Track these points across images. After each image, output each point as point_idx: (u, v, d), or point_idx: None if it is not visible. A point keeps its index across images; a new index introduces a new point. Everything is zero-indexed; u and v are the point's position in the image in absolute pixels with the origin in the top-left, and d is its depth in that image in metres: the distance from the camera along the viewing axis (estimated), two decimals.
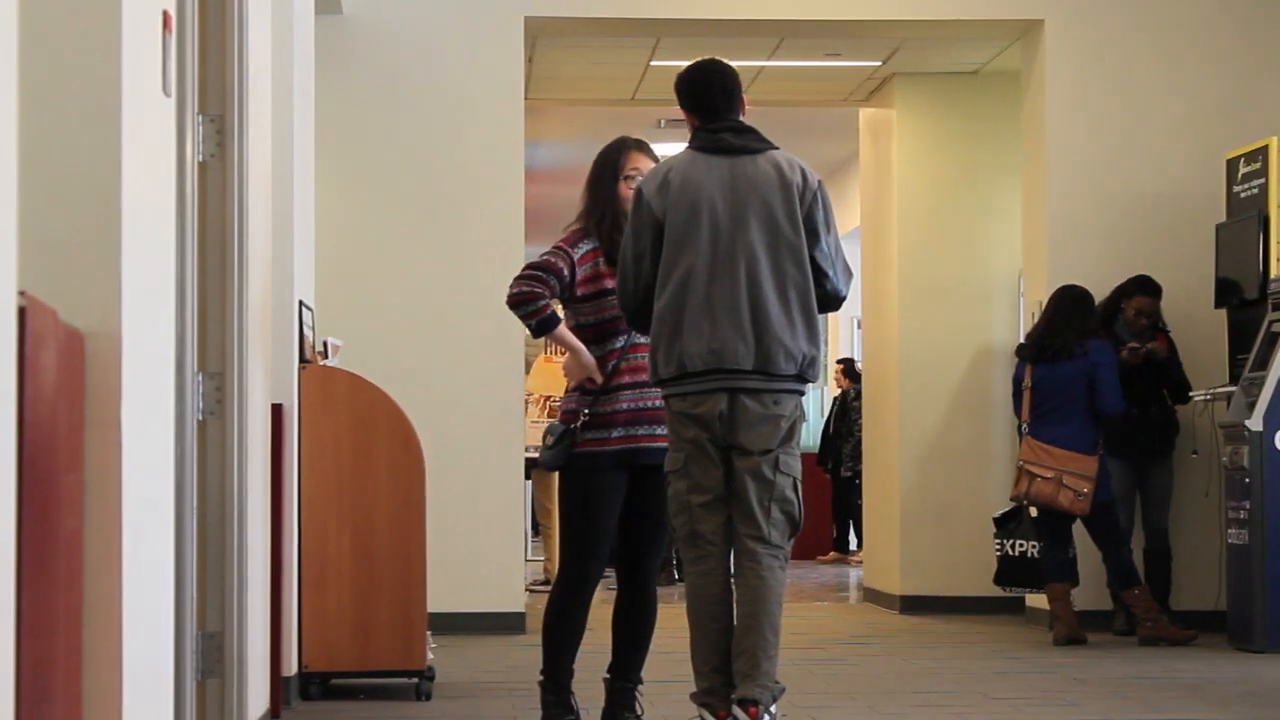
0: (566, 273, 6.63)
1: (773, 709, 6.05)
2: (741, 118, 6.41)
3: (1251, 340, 10.50)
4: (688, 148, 6.39)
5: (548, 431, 6.73)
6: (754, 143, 6.34)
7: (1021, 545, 10.76)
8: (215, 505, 6.22)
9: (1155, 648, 10.35)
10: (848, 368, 18.79)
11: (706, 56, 6.58)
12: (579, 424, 6.60)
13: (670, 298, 6.21)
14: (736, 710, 6.03)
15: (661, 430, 6.54)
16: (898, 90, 13.17)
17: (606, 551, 6.67)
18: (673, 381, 6.24)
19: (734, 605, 6.22)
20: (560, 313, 6.80)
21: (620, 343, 6.62)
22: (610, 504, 6.62)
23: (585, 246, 6.68)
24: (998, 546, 10.86)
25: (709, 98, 6.39)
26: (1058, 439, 10.64)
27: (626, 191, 6.67)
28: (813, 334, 6.27)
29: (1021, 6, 11.59)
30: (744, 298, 6.19)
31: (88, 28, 4.35)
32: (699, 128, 6.39)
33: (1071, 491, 10.55)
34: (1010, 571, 10.83)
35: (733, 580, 6.23)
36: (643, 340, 6.58)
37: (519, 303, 6.62)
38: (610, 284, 6.62)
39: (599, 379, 6.60)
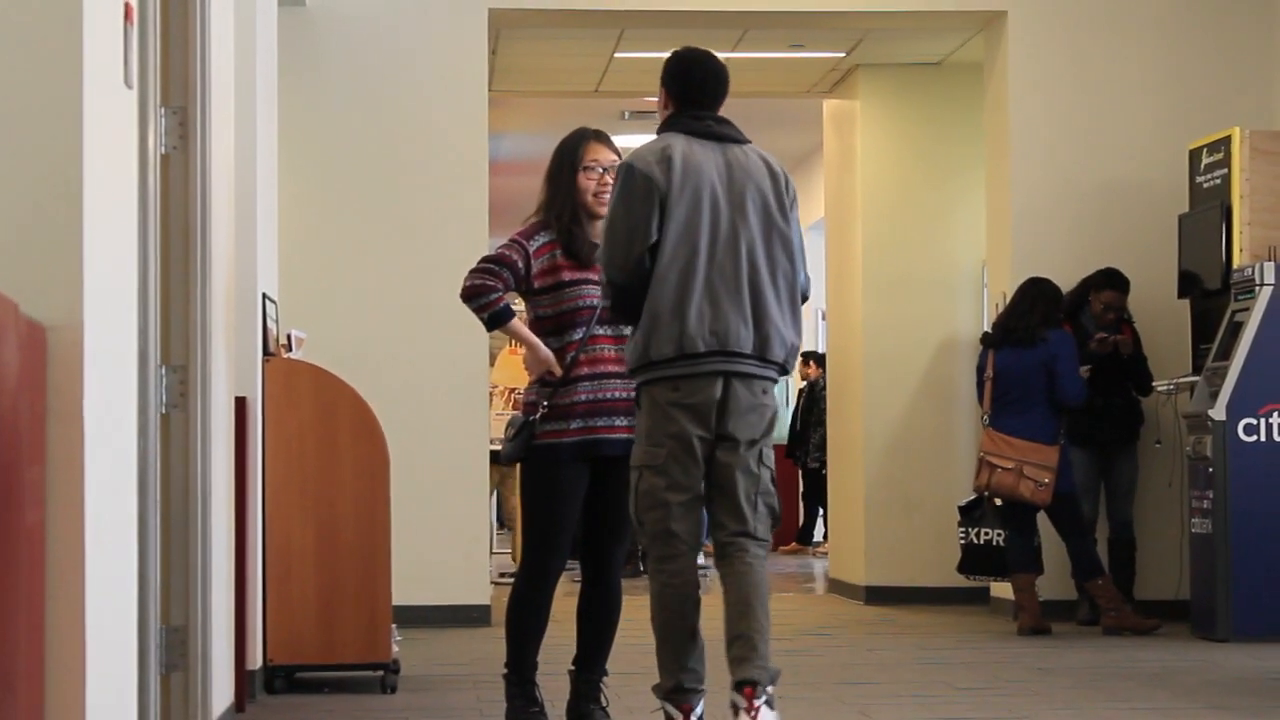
0: (521, 265, 6.62)
1: (770, 689, 6.02)
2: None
3: (1214, 330, 10.53)
4: (673, 130, 6.27)
5: (508, 424, 6.73)
6: (737, 134, 6.33)
7: (986, 534, 10.77)
8: (179, 499, 6.20)
9: (1119, 637, 10.38)
10: (811, 358, 18.80)
11: (688, 46, 6.50)
12: (538, 416, 6.59)
13: (673, 278, 6.10)
14: (734, 694, 5.99)
15: (621, 421, 6.53)
16: (861, 81, 13.18)
17: (568, 543, 6.65)
18: (666, 364, 6.11)
19: (700, 601, 6.22)
20: (521, 306, 6.79)
21: (579, 334, 6.61)
22: (571, 495, 6.60)
23: (541, 239, 6.67)
24: (962, 535, 10.88)
25: (709, 88, 6.31)
26: (1018, 430, 10.66)
27: (586, 183, 6.66)
28: (798, 325, 6.26)
29: None
30: (745, 282, 6.13)
31: (48, 20, 4.33)
32: (681, 113, 6.30)
33: (1032, 482, 10.57)
34: (975, 560, 10.85)
35: (719, 573, 6.19)
36: (602, 331, 6.56)
37: (470, 296, 6.62)
38: (569, 276, 6.60)
39: (558, 371, 6.58)
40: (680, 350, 6.09)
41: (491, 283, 6.59)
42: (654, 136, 6.40)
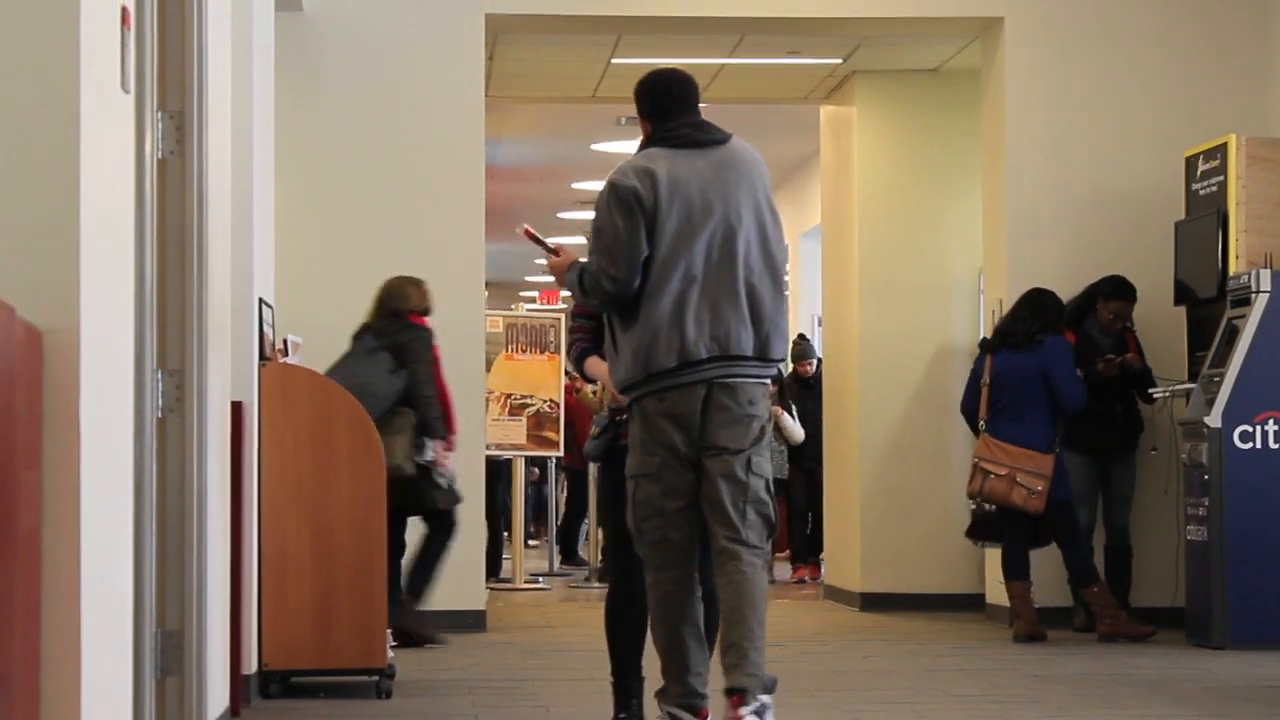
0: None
1: (763, 697, 6.01)
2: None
3: (1210, 337, 10.53)
4: (651, 146, 6.31)
5: (594, 422, 6.85)
6: (717, 134, 6.34)
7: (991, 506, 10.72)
8: (174, 503, 6.20)
9: (1114, 644, 10.38)
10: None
11: (664, 63, 6.54)
12: (625, 416, 6.55)
13: (669, 290, 6.14)
14: (725, 701, 6.01)
15: None
16: (858, 88, 13.18)
17: None
18: (667, 374, 6.15)
19: (701, 608, 6.24)
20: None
21: None
22: None
23: None
24: (972, 504, 10.83)
25: (675, 93, 6.35)
26: (1014, 437, 10.64)
27: None
28: (786, 311, 6.40)
29: (982, 4, 11.61)
30: (741, 285, 6.18)
31: (46, 24, 4.33)
32: (656, 130, 6.33)
33: (1025, 490, 10.55)
34: (983, 527, 10.80)
35: (716, 582, 6.20)
36: None
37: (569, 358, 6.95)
38: None
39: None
40: (683, 359, 6.14)
41: (575, 338, 6.79)
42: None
